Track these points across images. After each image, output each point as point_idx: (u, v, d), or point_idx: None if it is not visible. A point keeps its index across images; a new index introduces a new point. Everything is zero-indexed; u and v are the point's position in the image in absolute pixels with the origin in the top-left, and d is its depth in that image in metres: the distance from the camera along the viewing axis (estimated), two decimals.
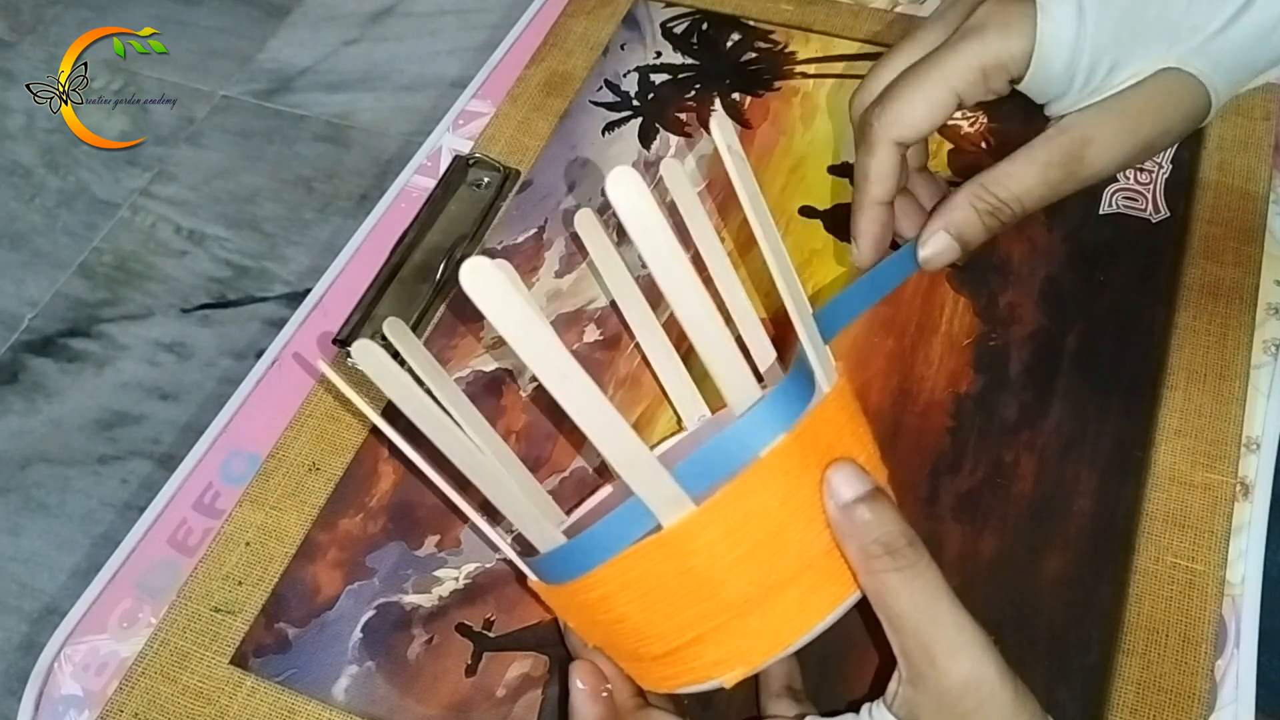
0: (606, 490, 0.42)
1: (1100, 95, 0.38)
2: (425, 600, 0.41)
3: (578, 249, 0.48)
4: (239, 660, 0.40)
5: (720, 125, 0.32)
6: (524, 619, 0.40)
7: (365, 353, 0.32)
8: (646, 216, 0.27)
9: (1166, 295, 0.46)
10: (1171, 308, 0.46)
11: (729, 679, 0.32)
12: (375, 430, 0.45)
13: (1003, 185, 0.39)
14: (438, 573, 0.42)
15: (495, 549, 0.40)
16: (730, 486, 0.29)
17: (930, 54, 0.39)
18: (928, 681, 0.30)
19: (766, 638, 0.31)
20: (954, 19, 0.39)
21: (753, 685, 0.37)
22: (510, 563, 0.35)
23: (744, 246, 0.49)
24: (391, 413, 0.35)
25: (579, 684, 0.35)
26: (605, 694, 0.35)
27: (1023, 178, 0.38)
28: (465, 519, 0.38)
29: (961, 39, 0.38)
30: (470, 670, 0.39)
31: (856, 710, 0.33)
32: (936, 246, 0.39)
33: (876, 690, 0.33)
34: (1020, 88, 0.39)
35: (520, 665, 0.39)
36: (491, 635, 0.40)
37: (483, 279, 0.26)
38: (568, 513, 0.41)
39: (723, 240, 0.38)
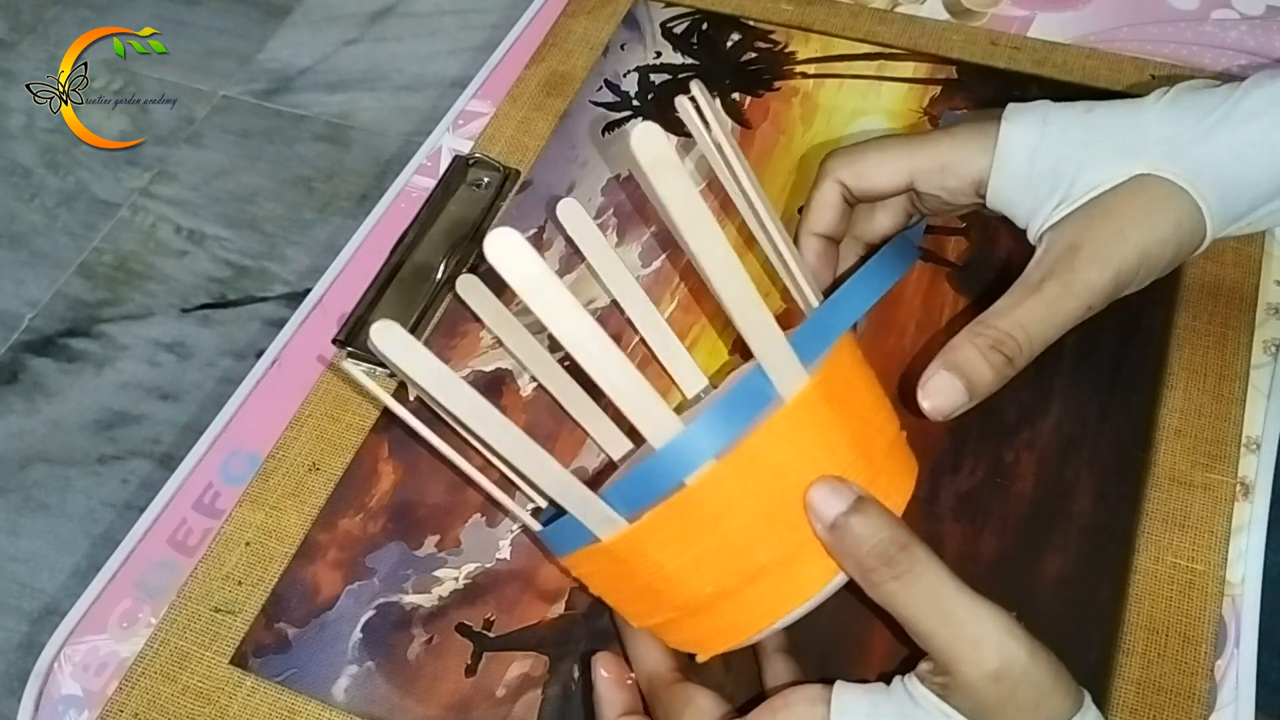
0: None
1: (1075, 203, 0.37)
2: (425, 600, 0.41)
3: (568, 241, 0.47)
4: (239, 660, 0.40)
5: (700, 95, 0.32)
6: (524, 619, 0.40)
7: (386, 333, 0.29)
8: (532, 276, 0.27)
9: (1166, 295, 0.46)
10: (1171, 308, 0.46)
11: (698, 658, 0.34)
12: (375, 430, 0.45)
13: (1001, 315, 0.36)
14: (438, 573, 0.42)
15: (515, 519, 0.41)
16: (659, 510, 0.31)
17: (905, 135, 0.42)
18: (955, 675, 0.30)
19: (718, 634, 0.33)
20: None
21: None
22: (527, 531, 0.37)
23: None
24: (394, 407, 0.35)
25: (603, 672, 0.36)
26: (629, 682, 0.36)
27: (1020, 303, 0.36)
28: (496, 502, 0.38)
29: (937, 136, 0.41)
30: (470, 670, 0.39)
31: (887, 682, 0.33)
32: (937, 385, 0.35)
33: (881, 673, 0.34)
34: (989, 202, 0.40)
35: (520, 665, 0.39)
36: (491, 635, 0.40)
37: (507, 249, 0.27)
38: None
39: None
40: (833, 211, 0.41)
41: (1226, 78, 0.53)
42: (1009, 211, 0.40)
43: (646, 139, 0.27)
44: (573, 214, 0.42)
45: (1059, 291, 0.36)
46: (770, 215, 0.36)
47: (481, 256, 0.50)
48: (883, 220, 0.43)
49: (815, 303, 0.36)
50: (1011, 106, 0.40)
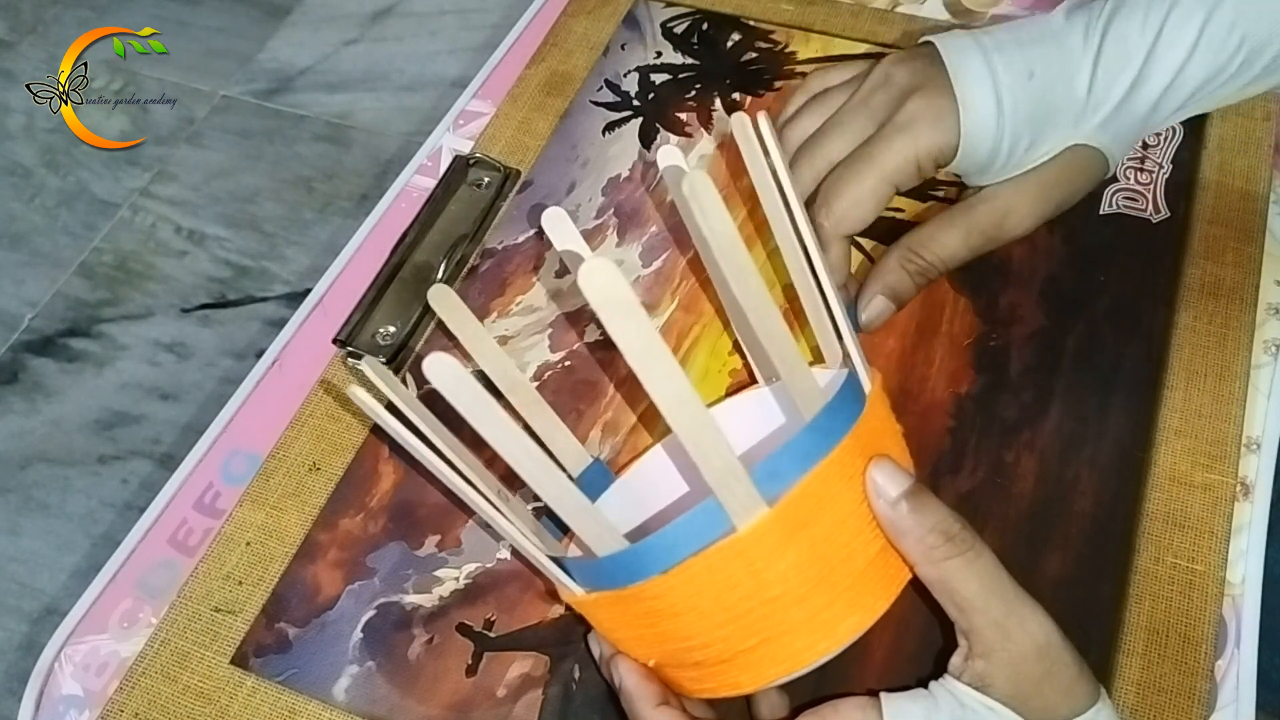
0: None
1: (1019, 170, 0.43)
2: (426, 600, 0.41)
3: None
4: (239, 660, 0.40)
5: (765, 127, 0.33)
6: (524, 619, 0.40)
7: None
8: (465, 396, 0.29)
9: (1166, 295, 0.46)
10: (1171, 308, 0.46)
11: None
12: (376, 429, 0.45)
13: (929, 249, 0.44)
14: (438, 572, 0.42)
15: (535, 561, 0.37)
16: (606, 594, 0.32)
17: (865, 147, 0.42)
18: (999, 654, 0.31)
19: (728, 685, 0.33)
20: (880, 108, 0.43)
21: None
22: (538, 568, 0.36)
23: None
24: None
25: (627, 667, 0.35)
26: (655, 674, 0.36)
27: (948, 243, 0.43)
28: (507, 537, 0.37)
29: (895, 133, 0.42)
30: (471, 670, 0.39)
31: (925, 686, 0.33)
32: (875, 309, 0.44)
33: (880, 683, 0.34)
34: (946, 169, 0.43)
35: (521, 665, 0.39)
36: (492, 635, 0.40)
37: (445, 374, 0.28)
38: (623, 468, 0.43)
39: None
40: (849, 258, 0.45)
41: None
42: (960, 174, 0.44)
43: (595, 278, 0.25)
44: (557, 222, 0.41)
45: (984, 242, 0.44)
46: (818, 254, 0.35)
47: (481, 255, 0.50)
48: None
49: (851, 347, 0.35)
50: (958, 81, 0.41)
